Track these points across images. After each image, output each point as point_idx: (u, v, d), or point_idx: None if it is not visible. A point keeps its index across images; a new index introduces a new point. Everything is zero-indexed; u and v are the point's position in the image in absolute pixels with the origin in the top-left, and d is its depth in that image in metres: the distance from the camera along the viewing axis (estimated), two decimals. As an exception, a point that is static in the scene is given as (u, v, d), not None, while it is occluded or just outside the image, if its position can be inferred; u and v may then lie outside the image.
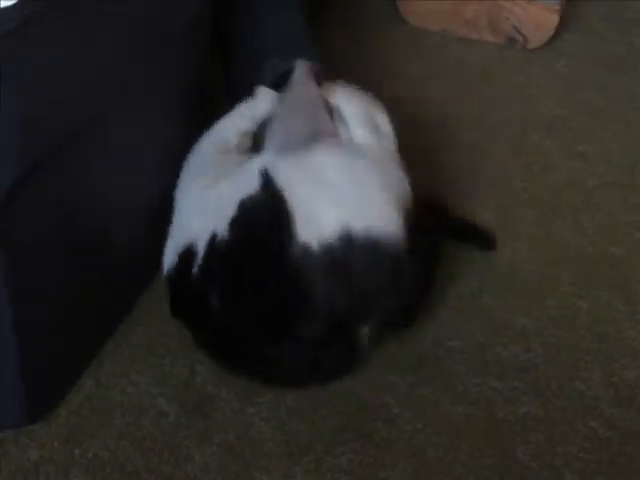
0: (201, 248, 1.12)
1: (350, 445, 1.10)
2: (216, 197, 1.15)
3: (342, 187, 1.11)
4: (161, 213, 1.24)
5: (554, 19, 1.78)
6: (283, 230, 1.07)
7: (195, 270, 1.13)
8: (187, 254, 1.14)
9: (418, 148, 1.54)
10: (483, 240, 1.33)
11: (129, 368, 1.18)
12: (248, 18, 1.43)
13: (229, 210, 1.11)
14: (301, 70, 1.27)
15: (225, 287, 1.10)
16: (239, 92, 1.36)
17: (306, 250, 1.06)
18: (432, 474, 1.07)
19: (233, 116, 1.27)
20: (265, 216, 1.10)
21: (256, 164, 1.14)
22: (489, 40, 1.83)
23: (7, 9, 0.87)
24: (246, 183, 1.12)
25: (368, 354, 1.15)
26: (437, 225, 1.28)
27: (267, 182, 1.10)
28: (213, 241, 1.11)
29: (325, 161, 1.13)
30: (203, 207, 1.16)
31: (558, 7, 1.77)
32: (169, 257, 1.18)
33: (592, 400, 1.15)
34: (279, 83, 1.32)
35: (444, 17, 1.85)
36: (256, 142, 1.24)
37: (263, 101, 1.27)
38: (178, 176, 1.25)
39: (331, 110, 1.23)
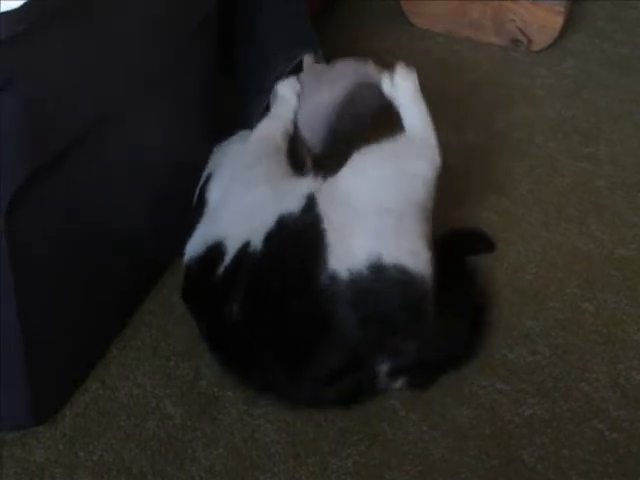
0: (231, 250, 1.13)
1: (356, 447, 1.10)
2: (256, 203, 1.16)
3: (375, 217, 1.11)
4: (166, 217, 1.24)
5: (558, 20, 1.78)
6: (316, 257, 1.08)
7: (220, 271, 1.13)
8: (215, 250, 1.14)
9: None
10: (483, 243, 1.33)
11: (135, 370, 1.18)
12: (250, 18, 1.43)
13: (268, 221, 1.12)
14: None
15: (248, 298, 1.10)
16: (246, 96, 1.39)
17: (335, 278, 1.06)
18: (438, 476, 1.07)
19: (271, 118, 1.31)
20: (302, 240, 1.10)
21: (305, 186, 1.15)
22: (494, 42, 1.83)
23: (11, 12, 0.87)
24: (290, 201, 1.13)
25: (384, 391, 1.14)
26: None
27: (310, 206, 1.11)
28: (246, 248, 1.11)
29: (356, 189, 1.13)
30: (240, 208, 1.17)
31: (562, 8, 1.77)
32: (194, 245, 1.18)
33: (598, 402, 1.15)
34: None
35: (449, 19, 1.85)
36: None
37: (288, 95, 1.33)
38: (183, 179, 1.27)
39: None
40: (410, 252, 1.10)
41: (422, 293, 1.10)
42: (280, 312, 1.08)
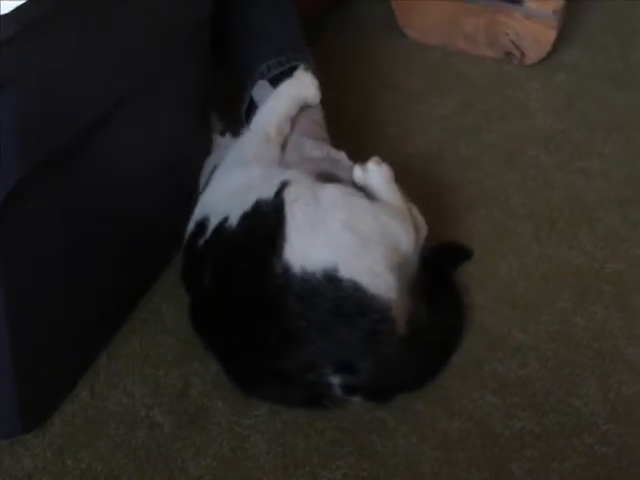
0: (212, 224, 1.16)
1: (345, 459, 1.09)
2: (243, 184, 1.19)
3: (340, 229, 1.09)
4: (160, 223, 1.24)
5: (551, 35, 1.79)
6: (274, 243, 1.08)
7: (201, 243, 1.17)
8: (200, 225, 1.19)
9: (416, 161, 1.54)
10: (462, 253, 1.33)
11: (124, 379, 1.17)
12: (242, 17, 1.44)
13: (248, 202, 1.13)
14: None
15: (215, 270, 1.13)
16: (242, 93, 1.42)
17: (287, 270, 1.06)
18: (427, 489, 1.07)
19: (273, 101, 1.32)
20: (266, 222, 1.11)
21: (283, 174, 1.16)
22: (487, 55, 1.84)
23: (8, 13, 0.87)
24: (268, 187, 1.14)
25: (340, 404, 1.12)
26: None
27: (280, 191, 1.12)
28: (224, 223, 1.14)
29: (332, 199, 1.12)
30: (230, 189, 1.20)
31: (556, 22, 1.78)
32: (190, 225, 1.23)
33: (588, 416, 1.15)
34: (275, 83, 1.37)
35: (443, 31, 1.86)
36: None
37: (302, 84, 1.34)
38: (179, 183, 1.29)
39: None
40: (370, 272, 1.07)
41: (379, 315, 1.06)
42: (237, 288, 1.10)
